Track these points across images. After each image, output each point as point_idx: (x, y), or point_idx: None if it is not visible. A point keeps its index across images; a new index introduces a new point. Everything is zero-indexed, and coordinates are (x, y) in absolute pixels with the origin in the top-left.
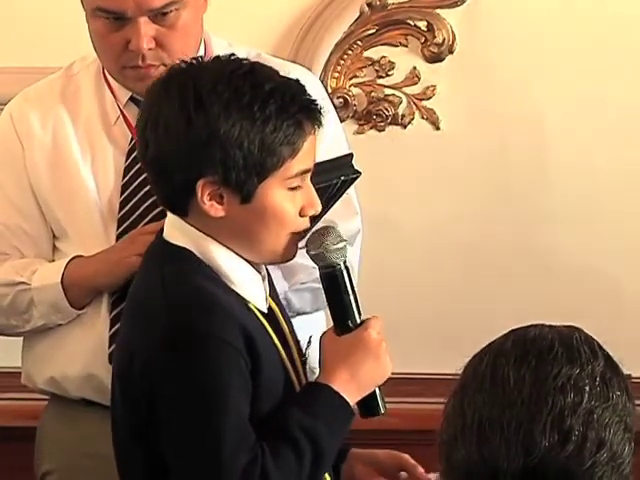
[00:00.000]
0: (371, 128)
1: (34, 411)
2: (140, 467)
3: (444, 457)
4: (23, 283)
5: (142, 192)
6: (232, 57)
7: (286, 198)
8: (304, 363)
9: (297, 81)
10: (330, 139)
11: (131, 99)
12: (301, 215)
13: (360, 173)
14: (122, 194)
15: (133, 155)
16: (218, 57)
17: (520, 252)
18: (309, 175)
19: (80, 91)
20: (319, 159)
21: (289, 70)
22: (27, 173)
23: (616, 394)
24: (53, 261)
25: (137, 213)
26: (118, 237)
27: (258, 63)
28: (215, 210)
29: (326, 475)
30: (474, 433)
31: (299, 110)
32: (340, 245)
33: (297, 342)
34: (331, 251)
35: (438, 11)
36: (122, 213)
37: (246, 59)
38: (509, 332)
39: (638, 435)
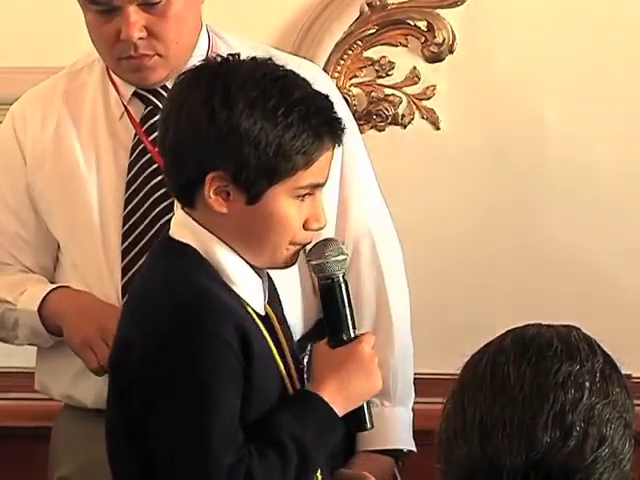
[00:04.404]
0: (371, 128)
1: (34, 411)
2: (133, 467)
3: (444, 457)
4: (10, 303)
5: (147, 188)
6: (269, 61)
7: (292, 206)
8: (300, 371)
9: (327, 96)
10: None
11: (135, 94)
12: (305, 228)
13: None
14: (127, 191)
15: (137, 151)
16: (255, 58)
17: (520, 251)
18: (320, 190)
19: (84, 88)
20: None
21: (299, 64)
22: (27, 180)
23: (615, 390)
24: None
25: (142, 209)
26: (124, 235)
27: (293, 72)
28: (219, 205)
29: (317, 474)
30: (475, 431)
31: (322, 123)
32: (340, 257)
33: (293, 349)
34: (331, 262)
35: (438, 11)
36: (127, 210)
37: (282, 66)
38: (507, 332)
39: (637, 434)
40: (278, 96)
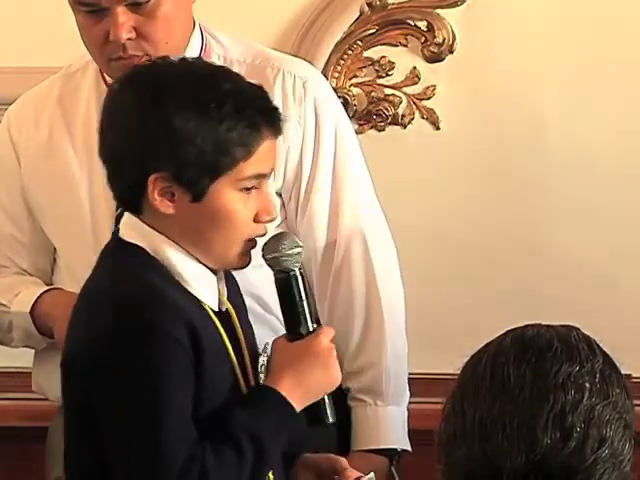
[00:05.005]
0: (371, 128)
1: (31, 412)
2: (86, 469)
3: (444, 457)
4: (4, 305)
5: None
6: (198, 59)
7: (239, 200)
8: (257, 368)
9: (261, 87)
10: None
11: None
12: (256, 221)
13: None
14: None
15: None
16: (184, 58)
17: (520, 252)
18: (265, 181)
19: (78, 90)
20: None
21: (296, 64)
22: (21, 182)
23: (615, 391)
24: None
25: None
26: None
27: (224, 67)
28: (165, 207)
29: (270, 474)
30: (475, 431)
31: (257, 113)
32: (295, 250)
33: (252, 346)
34: (286, 256)
35: (438, 11)
36: (120, 210)
37: (211, 63)
38: (506, 332)
39: (637, 435)
40: (209, 91)
